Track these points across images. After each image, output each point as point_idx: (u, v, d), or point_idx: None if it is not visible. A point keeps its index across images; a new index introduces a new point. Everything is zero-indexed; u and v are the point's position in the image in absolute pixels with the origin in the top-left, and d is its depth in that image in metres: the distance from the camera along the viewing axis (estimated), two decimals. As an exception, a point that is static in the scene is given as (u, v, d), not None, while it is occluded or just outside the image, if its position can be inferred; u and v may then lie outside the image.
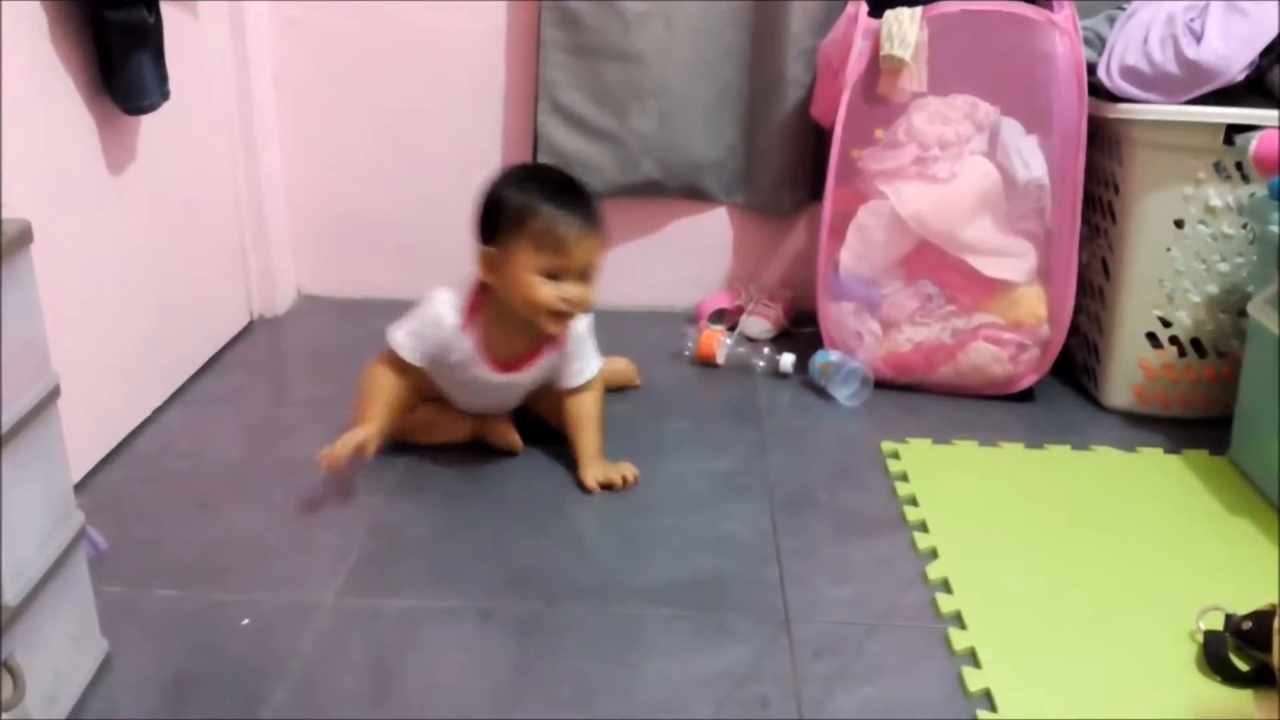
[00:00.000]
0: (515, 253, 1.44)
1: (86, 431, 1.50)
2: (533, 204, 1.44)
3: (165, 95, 1.61)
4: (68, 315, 1.42)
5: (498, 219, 1.46)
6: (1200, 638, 1.22)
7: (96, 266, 1.56)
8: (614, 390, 1.80)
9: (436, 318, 1.49)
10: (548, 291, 1.44)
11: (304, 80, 2.14)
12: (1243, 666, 1.17)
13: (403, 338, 1.51)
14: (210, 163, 1.96)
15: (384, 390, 1.51)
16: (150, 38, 1.55)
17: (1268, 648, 1.13)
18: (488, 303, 1.50)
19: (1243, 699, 1.14)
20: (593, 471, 1.54)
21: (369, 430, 1.46)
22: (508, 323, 1.50)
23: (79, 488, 1.44)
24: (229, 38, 1.97)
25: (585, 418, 1.58)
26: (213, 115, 1.95)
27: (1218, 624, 1.22)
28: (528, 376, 1.57)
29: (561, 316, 1.47)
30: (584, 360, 1.57)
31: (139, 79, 1.54)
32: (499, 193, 1.48)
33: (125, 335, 1.64)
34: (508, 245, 1.45)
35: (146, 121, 1.64)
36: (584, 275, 1.46)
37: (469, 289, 1.51)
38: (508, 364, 1.54)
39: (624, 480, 1.53)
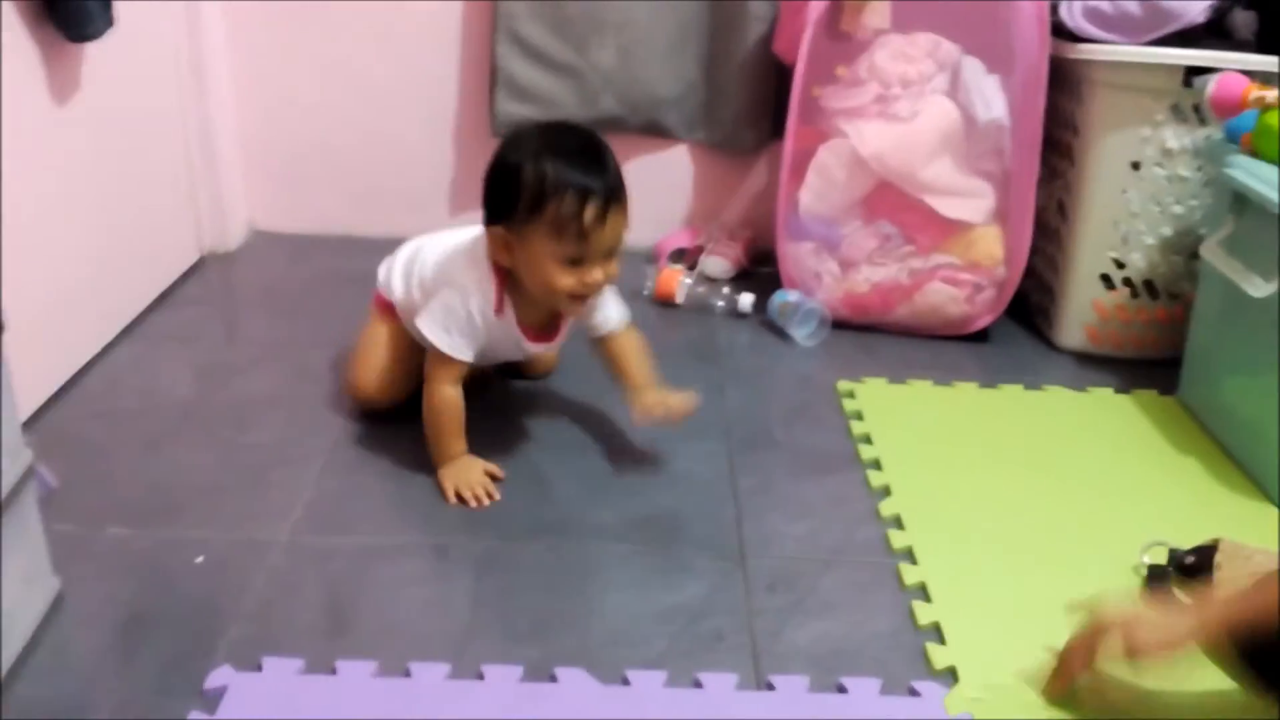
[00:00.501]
0: (531, 239, 1.28)
1: (34, 368, 1.46)
2: (550, 184, 1.26)
3: (110, 22, 1.56)
4: (13, 250, 1.38)
5: (511, 197, 1.28)
6: (1144, 572, 1.25)
7: (41, 200, 1.51)
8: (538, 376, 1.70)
9: (470, 317, 1.35)
10: (569, 281, 1.29)
11: (255, 9, 2.08)
12: (1185, 600, 1.20)
13: (457, 341, 1.35)
14: (158, 94, 1.91)
15: (457, 414, 1.38)
16: (93, -39, 1.49)
17: (1209, 582, 1.16)
18: (510, 281, 1.37)
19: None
20: (645, 399, 1.42)
21: (472, 459, 1.39)
22: (531, 297, 1.37)
23: (27, 425, 1.41)
24: (176, -37, 1.91)
25: (627, 353, 1.47)
26: (160, 44, 1.89)
27: (1161, 558, 1.25)
28: (561, 341, 1.50)
29: (581, 299, 1.35)
30: (605, 310, 1.47)
31: (83, 5, 1.49)
32: (511, 165, 1.29)
33: (73, 271, 1.60)
34: (523, 230, 1.29)
35: (91, 50, 1.59)
36: (608, 256, 1.32)
37: (489, 271, 1.36)
38: (542, 333, 1.45)
39: (671, 409, 1.41)
